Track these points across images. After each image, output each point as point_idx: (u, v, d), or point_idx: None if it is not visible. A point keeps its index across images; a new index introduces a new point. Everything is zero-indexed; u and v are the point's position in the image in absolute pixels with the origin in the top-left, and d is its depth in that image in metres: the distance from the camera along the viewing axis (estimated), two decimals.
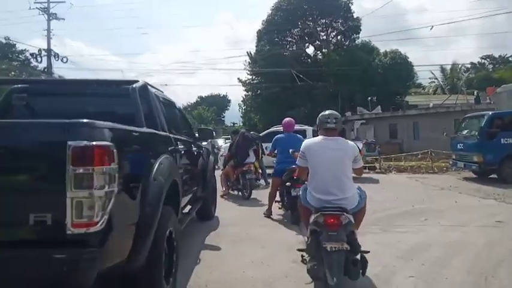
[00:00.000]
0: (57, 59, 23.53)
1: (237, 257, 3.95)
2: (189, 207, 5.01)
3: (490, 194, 7.83)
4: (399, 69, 28.13)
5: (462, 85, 29.00)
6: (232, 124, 51.60)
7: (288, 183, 5.60)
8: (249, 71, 33.33)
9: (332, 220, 2.81)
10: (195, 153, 4.98)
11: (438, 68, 38.88)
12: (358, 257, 2.86)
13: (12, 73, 24.05)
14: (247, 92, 35.57)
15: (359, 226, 3.23)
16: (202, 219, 5.82)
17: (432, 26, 24.54)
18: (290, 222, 5.59)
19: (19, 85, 3.79)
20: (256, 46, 32.53)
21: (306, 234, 4.19)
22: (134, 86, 3.20)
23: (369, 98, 27.03)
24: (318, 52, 33.74)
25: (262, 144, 9.12)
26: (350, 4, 31.89)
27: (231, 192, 8.61)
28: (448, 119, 18.84)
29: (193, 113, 57.08)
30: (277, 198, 6.16)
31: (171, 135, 3.67)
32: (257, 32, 32.51)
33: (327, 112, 3.38)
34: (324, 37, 33.12)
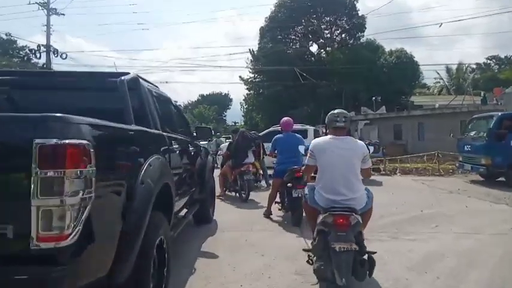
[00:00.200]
0: (56, 55, 23.20)
1: (236, 267, 3.65)
2: (185, 210, 4.73)
3: (500, 199, 7.51)
4: (405, 69, 27.73)
5: (468, 85, 28.57)
6: (233, 123, 51.32)
7: (289, 184, 5.43)
8: (251, 69, 33.02)
9: (341, 220, 2.79)
10: (192, 153, 4.69)
11: (443, 68, 38.43)
12: (366, 257, 2.84)
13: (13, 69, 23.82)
14: (249, 90, 35.27)
15: (365, 226, 3.19)
16: (199, 222, 5.53)
17: (441, 23, 23.96)
18: (291, 224, 5.40)
19: None
20: (259, 44, 32.20)
21: (307, 237, 4.18)
22: (123, 78, 2.90)
23: (373, 97, 26.68)
24: (322, 50, 33.38)
25: (263, 144, 8.86)
26: (355, 2, 31.54)
27: (228, 193, 8.31)
28: (454, 120, 18.50)
29: (194, 111, 56.88)
30: (277, 199, 5.96)
31: (164, 134, 3.37)
32: (260, 29, 32.20)
33: (336, 111, 3.35)
34: (328, 35, 32.78)
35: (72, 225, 1.68)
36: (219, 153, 11.20)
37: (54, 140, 1.65)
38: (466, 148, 10.68)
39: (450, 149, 13.24)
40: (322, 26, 32.60)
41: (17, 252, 1.65)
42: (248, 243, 4.45)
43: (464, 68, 37.97)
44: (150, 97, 3.43)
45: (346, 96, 27.13)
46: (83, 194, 1.71)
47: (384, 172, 12.70)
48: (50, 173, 1.63)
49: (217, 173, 7.77)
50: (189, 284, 3.24)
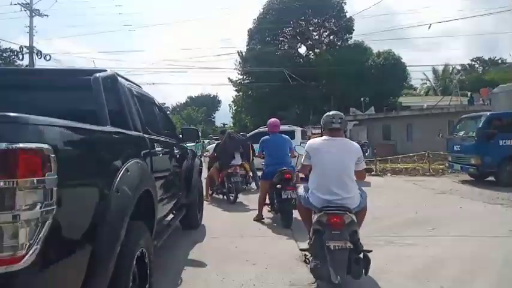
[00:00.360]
0: (40, 56, 22.56)
1: (225, 278, 3.38)
2: (171, 216, 4.46)
3: (494, 199, 7.42)
4: (393, 70, 27.82)
5: (455, 86, 28.84)
6: (222, 125, 50.91)
7: (278, 186, 5.35)
8: (239, 70, 32.79)
9: (335, 219, 2.82)
10: (178, 155, 4.40)
11: (430, 69, 38.88)
12: (361, 256, 2.86)
13: None
14: (238, 92, 35.04)
15: (360, 225, 3.20)
16: (186, 228, 5.26)
17: (430, 25, 24.05)
18: (281, 225, 5.32)
19: None
20: (247, 45, 31.98)
21: (299, 239, 4.32)
22: (97, 76, 2.61)
23: (362, 98, 26.69)
24: (310, 52, 33.34)
25: (253, 145, 8.65)
26: (343, 4, 31.62)
27: (216, 196, 8.06)
28: (442, 121, 18.62)
29: (183, 113, 56.35)
30: (266, 201, 5.85)
31: (146, 136, 3.09)
32: (248, 31, 31.96)
33: (331, 112, 3.42)
34: (317, 37, 32.77)
35: (28, 244, 1.40)
36: (205, 154, 10.88)
37: (4, 144, 1.36)
38: (455, 148, 10.64)
39: (439, 149, 13.24)
40: (311, 28, 32.56)
41: None
42: (238, 251, 4.18)
43: (451, 69, 38.44)
44: (130, 97, 3.14)
45: (335, 97, 27.09)
46: (41, 207, 1.43)
47: (375, 173, 12.55)
48: None
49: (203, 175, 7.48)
50: None
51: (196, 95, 66.33)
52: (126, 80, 3.41)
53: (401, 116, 23.22)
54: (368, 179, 11.12)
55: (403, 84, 31.87)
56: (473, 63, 46.20)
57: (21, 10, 23.90)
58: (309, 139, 15.46)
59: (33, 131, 1.49)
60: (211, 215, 6.22)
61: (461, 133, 10.68)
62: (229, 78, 33.71)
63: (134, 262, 2.29)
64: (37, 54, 22.64)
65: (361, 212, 3.22)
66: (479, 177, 10.01)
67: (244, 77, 32.92)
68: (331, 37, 32.91)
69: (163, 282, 3.19)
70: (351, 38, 31.81)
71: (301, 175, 6.23)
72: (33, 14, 24.17)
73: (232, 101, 38.60)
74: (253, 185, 9.11)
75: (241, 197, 7.95)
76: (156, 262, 3.70)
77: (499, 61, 42.86)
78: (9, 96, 2.89)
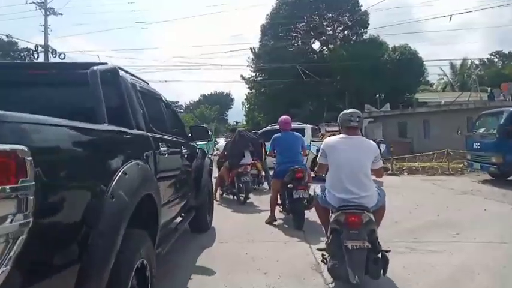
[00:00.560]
0: (54, 55, 22.75)
1: None
2: (179, 219, 4.26)
3: None
4: (409, 65, 27.03)
5: (475, 81, 27.89)
6: (235, 123, 50.76)
7: (289, 185, 5.21)
8: (252, 67, 32.48)
9: (353, 218, 2.78)
10: (186, 155, 4.19)
11: (447, 64, 37.78)
12: (380, 255, 2.82)
13: None
14: (251, 89, 34.77)
15: (379, 225, 3.16)
16: (195, 231, 5.07)
17: (451, 16, 23.10)
18: (293, 227, 5.17)
19: None
20: (260, 41, 31.62)
21: (313, 242, 4.24)
22: (95, 69, 2.40)
23: (377, 95, 26.09)
24: (324, 48, 32.77)
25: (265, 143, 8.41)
26: None
27: (226, 196, 7.86)
28: (460, 117, 17.97)
29: (196, 111, 56.38)
30: (278, 201, 5.70)
31: (150, 135, 2.89)
32: (261, 27, 31.58)
33: (349, 111, 3.42)
34: (330, 32, 32.16)
35: None
36: (215, 153, 10.68)
37: None
38: (475, 146, 10.16)
39: (457, 146, 12.74)
40: (324, 23, 31.95)
41: None
42: (249, 258, 3.95)
43: (469, 64, 37.30)
44: (134, 93, 2.94)
45: (349, 94, 26.58)
46: (12, 220, 1.22)
47: (391, 172, 12.16)
48: None
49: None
50: None
51: (209, 93, 66.32)
52: (131, 74, 3.22)
53: (418, 112, 22.54)
54: (384, 178, 10.78)
55: (419, 80, 30.99)
56: (492, 57, 44.80)
57: (36, 9, 24.24)
58: (322, 137, 15.27)
59: (8, 130, 1.29)
60: (221, 216, 6.02)
61: (481, 130, 10.20)
62: (241, 75, 33.48)
63: (133, 274, 2.09)
64: (52, 52, 22.85)
65: (379, 210, 3.16)
66: (500, 177, 9.51)
67: (257, 74, 32.61)
68: (346, 32, 32.27)
69: None
70: (366, 32, 31.14)
71: (313, 174, 6.11)
72: (48, 12, 24.44)
73: (245, 99, 38.40)
74: (265, 185, 8.87)
75: (252, 198, 7.75)
76: (162, 270, 3.52)
77: None
78: (5, 92, 2.71)
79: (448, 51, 69.01)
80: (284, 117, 5.90)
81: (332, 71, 28.26)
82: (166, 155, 3.21)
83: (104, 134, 2.05)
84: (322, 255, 3.17)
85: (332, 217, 2.95)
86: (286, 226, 5.39)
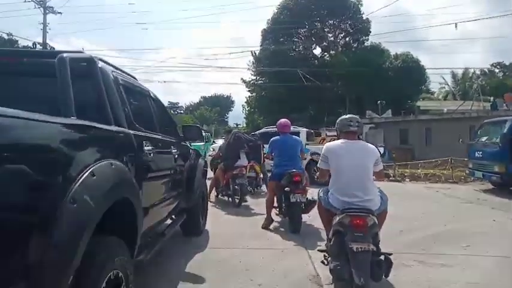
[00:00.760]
0: None
1: None
2: (167, 223, 3.94)
3: None
4: (411, 73, 26.82)
5: (477, 90, 27.67)
6: (235, 125, 50.51)
7: (286, 189, 5.13)
8: (253, 71, 32.25)
9: (358, 221, 2.80)
10: (177, 156, 3.86)
11: (448, 73, 37.63)
12: (383, 258, 2.83)
13: None
14: (251, 93, 34.53)
15: (380, 228, 3.14)
16: (188, 234, 4.75)
17: (456, 24, 23.42)
18: (289, 230, 5.07)
19: None
20: (261, 45, 31.38)
21: (310, 247, 4.15)
22: (63, 57, 2.09)
23: (379, 101, 25.81)
24: (325, 53, 32.55)
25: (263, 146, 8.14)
26: (359, 5, 30.74)
27: (221, 197, 7.58)
28: (463, 126, 17.73)
29: (196, 113, 56.15)
30: (275, 203, 5.57)
31: (132, 132, 2.57)
32: (262, 31, 31.36)
33: (347, 116, 3.48)
34: (332, 38, 31.97)
35: None
36: (209, 153, 10.36)
37: None
38: (477, 154, 9.87)
39: (458, 155, 12.47)
40: (326, 29, 31.78)
41: None
42: (242, 266, 3.61)
43: (471, 73, 37.11)
44: (115, 86, 2.63)
45: (350, 100, 26.33)
46: None
47: (393, 178, 11.84)
48: None
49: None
50: None
51: (210, 95, 66.20)
52: (113, 67, 2.91)
53: (420, 120, 22.30)
54: (386, 184, 10.47)
55: (421, 88, 30.76)
56: (493, 68, 44.66)
57: (35, 7, 24.07)
58: (322, 141, 14.94)
59: None
60: (215, 219, 5.72)
61: (483, 139, 9.93)
62: (242, 78, 33.24)
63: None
64: None
65: (381, 214, 3.17)
66: (503, 186, 9.17)
67: (258, 77, 32.38)
68: (347, 39, 32.05)
69: None
70: (368, 39, 30.96)
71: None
72: (47, 11, 24.24)
73: (246, 102, 38.15)
74: (263, 187, 8.57)
75: (250, 201, 7.47)
76: (146, 277, 3.21)
77: None
78: None
79: (448, 61, 68.77)
80: (283, 120, 5.81)
81: (333, 77, 28.02)
82: (152, 154, 2.88)
83: (67, 128, 1.71)
84: (324, 256, 3.20)
85: (336, 219, 2.94)
86: (283, 230, 5.22)
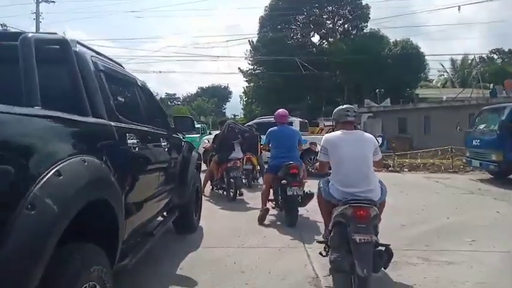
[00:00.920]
0: None
1: None
2: (158, 221, 3.73)
3: None
4: (410, 60, 26.47)
5: (477, 76, 27.34)
6: (233, 116, 50.17)
7: (283, 181, 4.97)
8: (250, 60, 31.82)
9: (362, 212, 2.77)
10: (167, 149, 3.64)
11: (447, 59, 37.23)
12: (383, 249, 2.80)
13: None
14: (249, 83, 34.17)
15: (380, 219, 3.07)
16: (181, 231, 4.55)
17: (459, 7, 23.08)
18: (285, 224, 4.95)
19: None
20: (258, 33, 30.91)
21: (307, 241, 4.09)
22: (27, 37, 1.83)
23: (377, 90, 25.55)
24: (324, 41, 32.12)
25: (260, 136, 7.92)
26: None
27: (216, 191, 7.40)
28: (462, 114, 17.48)
29: (193, 104, 55.75)
30: (271, 196, 5.44)
31: (113, 124, 2.34)
32: (259, 19, 30.85)
33: (344, 106, 3.48)
34: (330, 25, 31.52)
35: None
36: (203, 145, 10.06)
37: None
38: (474, 143, 9.58)
39: (458, 143, 12.24)
40: (324, 16, 31.30)
41: None
42: (237, 267, 3.41)
43: (470, 60, 36.72)
44: (94, 73, 2.38)
45: (349, 89, 26.04)
46: None
47: (392, 169, 11.66)
48: None
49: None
50: None
51: (207, 86, 65.67)
52: (94, 51, 2.66)
53: (419, 108, 22.07)
54: (385, 175, 10.28)
55: (420, 76, 30.44)
56: (492, 54, 44.24)
57: None
58: (321, 131, 14.78)
59: None
60: (209, 215, 5.52)
61: (481, 126, 9.64)
62: (239, 68, 32.86)
63: None
64: None
65: (381, 205, 3.14)
66: (501, 175, 8.94)
67: (255, 66, 31.98)
68: (346, 25, 31.61)
69: None
70: (367, 26, 30.54)
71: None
72: (40, 0, 23.68)
73: (243, 92, 37.82)
74: (260, 180, 8.36)
75: (246, 194, 7.26)
76: (135, 278, 3.02)
77: None
78: None
79: (446, 47, 68.30)
80: (281, 110, 5.67)
81: (331, 65, 27.67)
82: (137, 148, 2.66)
83: (27, 120, 1.48)
84: (324, 248, 3.18)
85: (338, 210, 2.90)
86: (279, 223, 5.11)
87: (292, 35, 31.39)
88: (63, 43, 2.12)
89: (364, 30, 30.61)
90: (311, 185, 5.60)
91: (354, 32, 31.17)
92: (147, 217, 3.09)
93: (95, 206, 1.80)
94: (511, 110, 8.52)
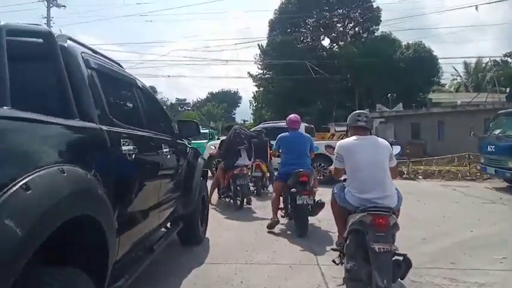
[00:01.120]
0: None
1: None
2: (160, 233, 3.46)
3: None
4: (423, 63, 25.90)
5: (493, 80, 26.64)
6: (243, 121, 49.97)
7: (293, 189, 4.79)
8: (259, 65, 31.60)
9: (381, 220, 2.69)
10: (170, 155, 3.36)
11: (459, 63, 36.44)
12: (401, 258, 2.69)
13: None
14: (258, 88, 33.97)
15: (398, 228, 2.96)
16: (185, 244, 4.28)
17: (477, 6, 22.58)
18: (296, 234, 4.76)
19: None
20: (268, 37, 30.70)
21: (319, 253, 3.96)
22: None
23: (389, 94, 25.04)
24: (334, 44, 31.75)
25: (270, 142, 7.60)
26: None
27: (223, 199, 7.13)
28: (477, 119, 16.92)
29: (203, 109, 55.74)
30: (281, 205, 5.29)
31: (105, 128, 2.08)
32: (269, 22, 30.62)
33: (357, 111, 3.46)
34: (341, 28, 31.15)
35: None
36: (209, 151, 9.76)
37: None
38: (489, 149, 9.10)
39: (473, 149, 11.77)
40: (335, 19, 30.96)
41: None
42: (245, 286, 3.11)
43: (484, 63, 35.91)
44: (84, 70, 2.13)
45: (359, 92, 25.60)
46: None
47: (407, 176, 11.24)
48: None
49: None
50: None
51: (217, 91, 65.68)
52: (86, 47, 2.41)
53: (432, 113, 21.51)
54: (400, 183, 9.87)
55: (433, 79, 29.81)
56: (506, 58, 43.30)
57: (38, 1, 23.73)
58: (332, 137, 14.40)
59: None
60: (216, 225, 5.27)
61: (496, 131, 9.17)
62: (249, 72, 32.64)
63: None
64: None
65: (397, 212, 3.06)
66: None
67: (265, 71, 31.76)
68: (357, 28, 31.23)
69: None
70: (378, 29, 30.09)
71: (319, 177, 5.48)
72: (51, 4, 23.88)
73: (253, 97, 37.66)
74: (270, 188, 8.06)
75: (256, 203, 6.97)
76: None
77: None
78: None
79: (459, 51, 67.24)
80: (293, 115, 5.48)
81: (342, 69, 27.28)
82: (134, 155, 2.39)
83: None
84: (339, 255, 3.14)
85: (355, 217, 2.83)
86: (290, 233, 4.95)
87: (302, 38, 31.12)
88: (47, 35, 1.87)
89: (376, 33, 30.17)
90: (323, 194, 5.32)
91: (365, 35, 30.74)
92: (146, 231, 2.81)
93: (78, 223, 1.53)
94: None
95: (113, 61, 2.94)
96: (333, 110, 26.33)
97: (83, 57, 2.19)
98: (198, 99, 66.53)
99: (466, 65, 36.65)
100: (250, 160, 7.23)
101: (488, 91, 25.28)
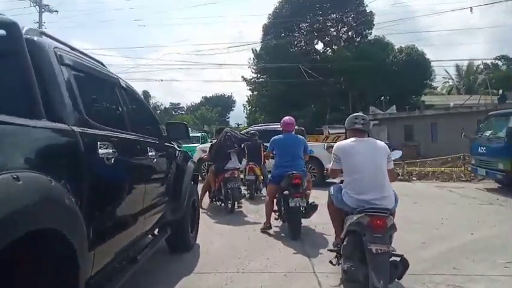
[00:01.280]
0: None
1: None
2: (146, 241, 3.25)
3: None
4: (415, 66, 26.01)
5: (485, 82, 26.82)
6: (236, 125, 49.78)
7: (285, 192, 4.75)
8: (253, 69, 31.50)
9: (378, 222, 2.69)
10: (156, 159, 3.17)
11: (451, 66, 36.76)
12: (399, 259, 2.71)
13: None
14: (252, 91, 33.87)
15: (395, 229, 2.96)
16: (174, 251, 4.08)
17: (471, 8, 22.56)
18: (289, 237, 4.69)
19: None
20: (262, 41, 30.63)
21: (313, 256, 3.91)
22: None
23: (382, 97, 25.08)
24: (328, 48, 31.77)
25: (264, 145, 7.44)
26: None
27: (214, 203, 6.94)
28: (470, 120, 16.91)
29: (197, 113, 55.46)
30: (275, 207, 5.23)
31: (79, 130, 1.88)
32: (263, 26, 30.55)
33: (354, 114, 3.48)
34: (334, 33, 31.20)
35: None
36: (200, 155, 9.53)
37: None
38: (480, 150, 9.08)
39: (466, 151, 11.75)
40: (328, 23, 31.02)
41: None
42: None
43: (476, 66, 36.20)
44: (56, 67, 1.94)
45: (353, 96, 25.58)
46: None
47: (402, 177, 11.13)
48: None
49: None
50: None
51: (211, 95, 65.49)
52: (61, 42, 2.22)
53: (425, 115, 21.55)
54: (395, 184, 9.66)
55: (426, 82, 29.94)
56: (496, 61, 43.74)
57: (30, 6, 23.42)
58: (326, 139, 14.27)
59: None
60: (207, 230, 5.09)
61: (487, 133, 9.12)
62: (243, 76, 32.52)
63: None
64: None
65: (394, 213, 3.05)
66: (509, 185, 8.33)
67: (259, 75, 31.66)
68: (350, 33, 31.29)
69: None
70: (371, 33, 30.19)
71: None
72: (43, 9, 23.57)
73: (247, 101, 37.55)
74: (263, 191, 7.88)
75: (249, 206, 6.82)
76: None
77: None
78: None
79: (451, 54, 67.80)
80: (287, 118, 5.45)
81: (336, 72, 27.27)
82: (113, 160, 2.19)
83: None
84: (335, 256, 3.13)
85: (352, 218, 2.83)
86: (283, 235, 4.88)
87: (295, 42, 31.07)
88: (10, 27, 1.68)
89: (369, 37, 30.26)
90: (318, 196, 5.17)
91: (358, 39, 30.81)
92: (128, 240, 2.61)
93: (38, 238, 1.34)
94: None
95: (94, 59, 2.75)
96: (326, 113, 26.28)
97: (55, 52, 2.00)
98: (192, 103, 66.33)
99: (458, 67, 36.99)
100: (240, 163, 7.09)
101: (481, 93, 25.44)
